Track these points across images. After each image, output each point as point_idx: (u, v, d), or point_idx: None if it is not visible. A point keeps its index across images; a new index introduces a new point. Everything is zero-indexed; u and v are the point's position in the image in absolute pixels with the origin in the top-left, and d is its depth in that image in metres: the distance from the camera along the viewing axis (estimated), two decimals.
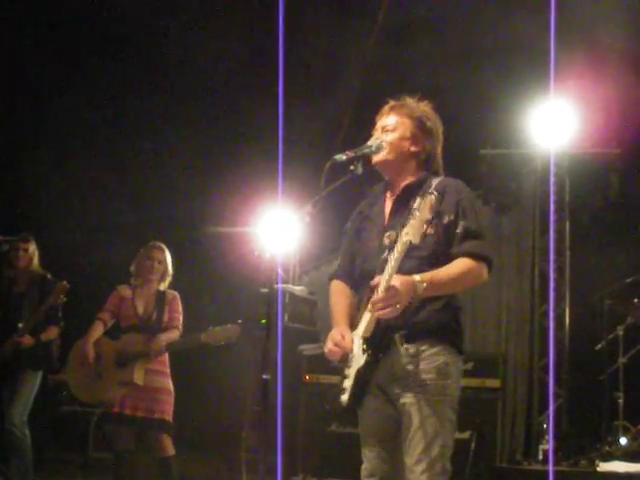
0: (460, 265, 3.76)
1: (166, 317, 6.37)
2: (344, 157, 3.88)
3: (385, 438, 3.86)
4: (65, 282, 6.70)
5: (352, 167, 3.89)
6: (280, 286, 7.40)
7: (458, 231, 3.78)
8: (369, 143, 3.97)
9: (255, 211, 7.65)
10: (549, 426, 8.14)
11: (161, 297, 6.43)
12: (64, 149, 8.98)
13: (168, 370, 6.39)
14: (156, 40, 8.57)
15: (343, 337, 3.86)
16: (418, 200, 3.61)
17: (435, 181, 3.88)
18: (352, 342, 3.84)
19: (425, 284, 3.64)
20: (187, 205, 8.63)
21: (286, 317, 7.65)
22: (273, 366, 6.48)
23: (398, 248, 3.64)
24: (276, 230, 6.91)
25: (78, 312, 6.71)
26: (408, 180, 3.96)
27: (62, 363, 6.76)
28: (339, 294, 4.12)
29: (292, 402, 7.15)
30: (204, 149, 8.76)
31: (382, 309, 3.64)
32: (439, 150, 4.06)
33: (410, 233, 3.56)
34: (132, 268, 6.53)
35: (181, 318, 6.42)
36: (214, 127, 8.82)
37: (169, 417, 6.27)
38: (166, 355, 6.38)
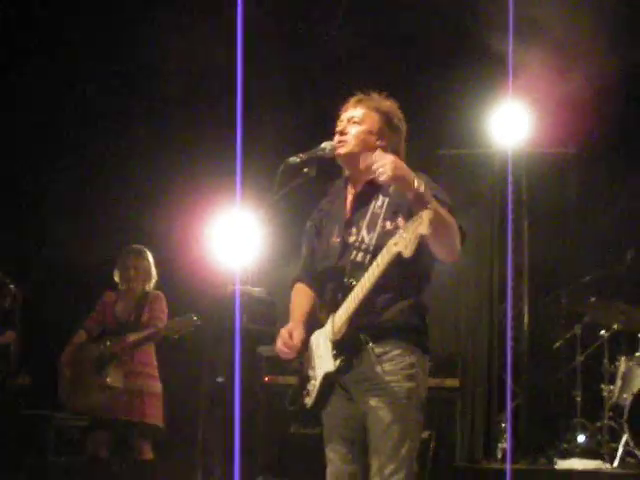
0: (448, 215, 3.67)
1: (145, 317, 6.35)
2: (297, 160, 3.87)
3: (349, 438, 3.85)
4: (12, 286, 6.67)
5: (305, 169, 3.88)
6: (238, 287, 7.40)
7: None
8: (322, 145, 3.94)
9: (212, 213, 7.63)
10: (507, 424, 8.18)
11: (143, 298, 6.42)
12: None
13: (154, 371, 6.36)
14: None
15: (291, 335, 3.86)
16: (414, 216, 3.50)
17: None
18: (300, 341, 3.84)
19: (424, 185, 3.54)
20: (143, 206, 8.56)
21: (245, 318, 7.63)
22: (230, 368, 6.48)
23: (384, 258, 3.57)
24: (233, 232, 6.94)
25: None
26: (371, 175, 3.84)
27: (23, 367, 6.74)
28: (299, 295, 4.09)
29: (251, 403, 7.13)
30: (159, 149, 8.70)
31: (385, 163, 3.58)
32: (402, 148, 4.03)
33: (400, 245, 3.46)
34: (115, 275, 6.55)
35: (164, 317, 6.39)
36: (169, 129, 8.77)
37: (151, 420, 6.24)
38: (150, 356, 6.35)
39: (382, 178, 3.57)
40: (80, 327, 6.47)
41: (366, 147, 3.93)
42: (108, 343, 6.20)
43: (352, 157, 3.93)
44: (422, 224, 3.39)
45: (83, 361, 6.26)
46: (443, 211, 3.61)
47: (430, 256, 3.79)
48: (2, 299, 6.68)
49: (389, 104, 4.04)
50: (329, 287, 3.89)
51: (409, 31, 8.40)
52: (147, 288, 6.51)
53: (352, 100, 4.06)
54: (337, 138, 3.97)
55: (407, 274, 3.78)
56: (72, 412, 6.85)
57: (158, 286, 6.59)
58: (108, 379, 6.07)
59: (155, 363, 6.39)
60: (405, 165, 3.60)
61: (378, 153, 3.73)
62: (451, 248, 3.72)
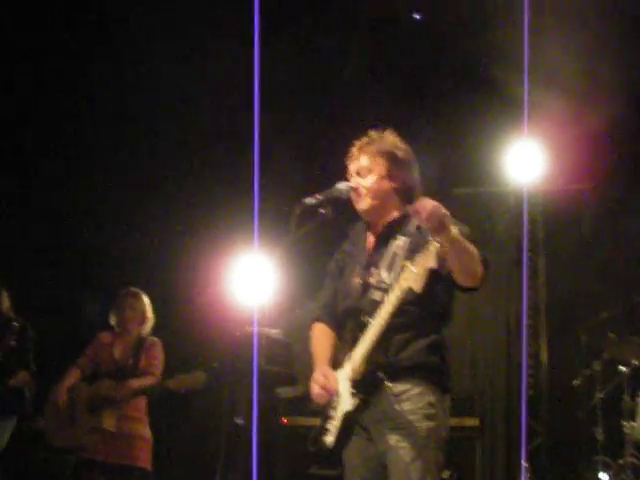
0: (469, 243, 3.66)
1: (142, 363, 6.35)
2: (314, 200, 3.90)
3: (369, 478, 3.84)
4: (15, 323, 6.66)
5: (322, 210, 3.90)
6: (255, 329, 7.40)
7: None
8: (338, 186, 3.97)
9: (230, 255, 7.64)
10: (521, 462, 8.11)
11: (140, 343, 6.43)
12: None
13: (144, 417, 6.36)
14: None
15: (327, 379, 3.85)
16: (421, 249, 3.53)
17: None
18: (337, 382, 3.83)
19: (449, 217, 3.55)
20: (161, 249, 8.58)
21: (263, 360, 7.62)
22: (248, 409, 6.48)
23: (396, 293, 3.60)
24: (251, 274, 6.96)
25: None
26: (391, 216, 3.95)
27: (38, 408, 6.72)
28: (320, 335, 4.10)
29: (270, 445, 7.10)
30: (178, 192, 8.73)
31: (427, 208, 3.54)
32: (416, 175, 4.04)
33: (410, 280, 3.50)
34: (111, 317, 6.55)
35: (160, 365, 6.41)
36: (187, 172, 8.80)
37: (143, 464, 6.23)
38: (142, 402, 6.35)
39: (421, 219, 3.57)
40: (74, 364, 6.46)
41: (382, 194, 3.97)
42: (107, 385, 6.19)
43: (372, 209, 3.97)
44: (430, 257, 3.41)
45: (75, 401, 6.25)
46: (462, 238, 3.61)
47: (449, 294, 3.80)
48: (9, 337, 6.65)
49: (389, 140, 4.05)
50: (349, 326, 3.90)
51: (424, 71, 8.44)
52: (143, 330, 6.52)
53: (354, 149, 4.07)
54: (352, 195, 3.98)
55: (425, 313, 3.79)
56: (58, 449, 6.82)
57: (157, 330, 6.59)
58: (104, 422, 6.07)
59: (146, 409, 6.39)
60: (441, 208, 3.58)
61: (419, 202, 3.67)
62: (472, 272, 3.69)
